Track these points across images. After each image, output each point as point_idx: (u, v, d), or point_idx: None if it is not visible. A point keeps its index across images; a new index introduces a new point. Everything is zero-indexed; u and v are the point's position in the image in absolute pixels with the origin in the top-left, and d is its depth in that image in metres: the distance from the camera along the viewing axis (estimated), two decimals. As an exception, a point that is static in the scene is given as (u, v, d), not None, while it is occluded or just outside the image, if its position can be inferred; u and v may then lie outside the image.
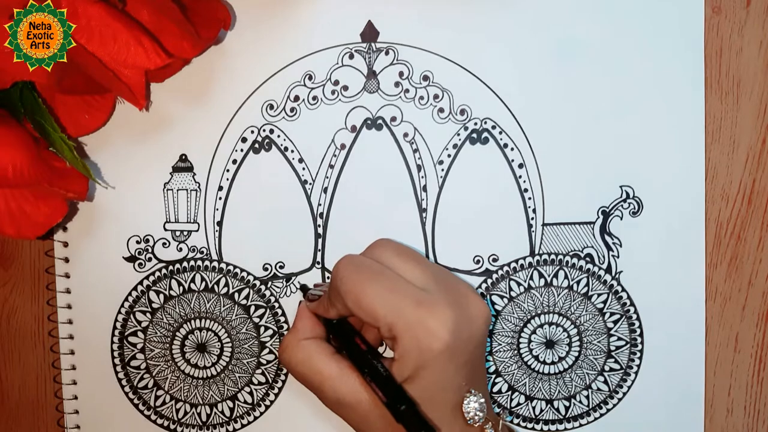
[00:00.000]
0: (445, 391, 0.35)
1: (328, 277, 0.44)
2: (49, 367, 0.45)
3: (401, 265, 0.37)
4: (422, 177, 0.43)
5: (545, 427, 0.45)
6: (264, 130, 0.43)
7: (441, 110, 0.43)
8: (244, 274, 0.44)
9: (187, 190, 0.44)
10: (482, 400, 0.35)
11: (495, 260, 0.44)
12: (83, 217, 0.44)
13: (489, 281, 0.44)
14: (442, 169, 0.43)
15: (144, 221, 0.44)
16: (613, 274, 0.44)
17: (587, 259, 0.44)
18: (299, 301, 0.44)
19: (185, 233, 0.44)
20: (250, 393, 0.45)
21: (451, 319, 0.35)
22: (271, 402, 0.45)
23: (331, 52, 0.43)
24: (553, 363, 0.44)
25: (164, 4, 0.37)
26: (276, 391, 0.44)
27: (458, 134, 0.43)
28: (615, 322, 0.44)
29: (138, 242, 0.44)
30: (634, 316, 0.44)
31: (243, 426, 0.45)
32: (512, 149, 0.43)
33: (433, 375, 0.35)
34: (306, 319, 0.39)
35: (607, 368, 0.44)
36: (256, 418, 0.45)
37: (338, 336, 0.39)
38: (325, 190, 0.43)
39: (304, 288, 0.43)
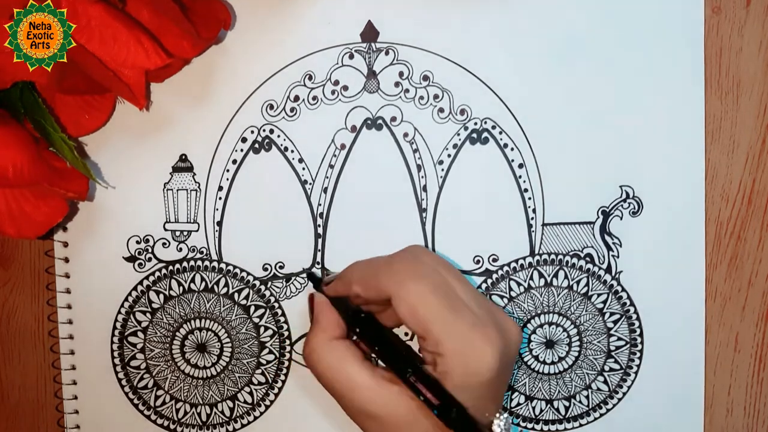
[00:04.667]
0: (478, 412, 0.35)
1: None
2: (49, 367, 0.45)
3: (452, 280, 0.36)
4: (422, 177, 0.43)
5: (545, 427, 0.45)
6: (264, 130, 0.43)
7: (441, 110, 0.43)
8: (244, 274, 0.44)
9: (187, 190, 0.44)
10: (510, 419, 0.36)
11: (495, 260, 0.44)
12: (83, 217, 0.44)
13: (489, 281, 0.44)
14: (442, 169, 0.43)
15: (144, 221, 0.44)
16: (613, 274, 0.44)
17: (587, 259, 0.44)
18: (309, 294, 0.40)
19: (185, 233, 0.44)
20: (250, 393, 0.45)
21: (499, 347, 0.35)
22: (271, 402, 0.45)
23: (331, 52, 0.43)
24: (553, 363, 0.44)
25: (164, 4, 0.37)
26: (276, 391, 0.44)
27: (458, 134, 0.43)
28: (615, 322, 0.44)
29: (138, 242, 0.44)
30: (634, 316, 0.44)
31: (243, 426, 0.45)
32: (512, 149, 0.43)
33: (473, 396, 0.34)
34: (330, 313, 0.37)
35: (607, 368, 0.44)
36: (256, 418, 0.45)
37: (366, 333, 0.36)
38: (325, 190, 0.43)
39: (312, 276, 0.41)
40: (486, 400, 0.35)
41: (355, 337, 0.38)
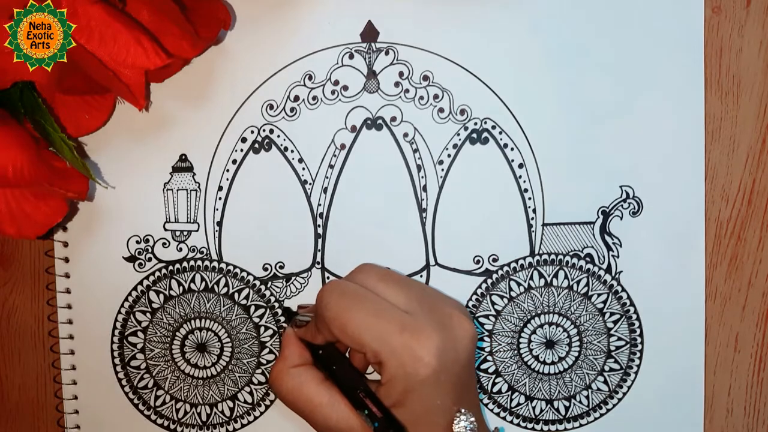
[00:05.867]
0: (434, 413, 0.35)
1: (328, 277, 0.44)
2: (49, 367, 0.45)
3: (385, 289, 0.37)
4: (422, 177, 0.43)
5: (545, 427, 0.45)
6: (264, 130, 0.43)
7: (441, 110, 0.43)
8: (244, 274, 0.44)
9: (187, 190, 0.44)
10: (472, 419, 0.35)
11: (495, 260, 0.44)
12: (83, 217, 0.44)
13: (489, 281, 0.44)
14: (442, 169, 0.43)
15: (144, 221, 0.44)
16: (613, 274, 0.44)
17: (587, 259, 0.44)
18: (285, 326, 0.44)
19: (185, 233, 0.44)
20: (250, 393, 0.45)
21: (436, 344, 0.35)
22: (271, 402, 0.45)
23: (331, 52, 0.43)
24: (553, 363, 0.44)
25: (164, 4, 0.37)
26: (276, 391, 0.45)
27: (458, 134, 0.43)
28: (615, 322, 0.44)
29: (138, 242, 0.44)
30: (634, 316, 0.44)
31: (243, 426, 0.45)
32: (512, 149, 0.43)
33: (421, 399, 0.35)
34: (293, 345, 0.40)
35: (607, 368, 0.44)
36: (256, 418, 0.45)
37: (324, 364, 0.39)
38: (325, 190, 0.43)
39: (288, 312, 0.43)
40: (441, 399, 0.35)
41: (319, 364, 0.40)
